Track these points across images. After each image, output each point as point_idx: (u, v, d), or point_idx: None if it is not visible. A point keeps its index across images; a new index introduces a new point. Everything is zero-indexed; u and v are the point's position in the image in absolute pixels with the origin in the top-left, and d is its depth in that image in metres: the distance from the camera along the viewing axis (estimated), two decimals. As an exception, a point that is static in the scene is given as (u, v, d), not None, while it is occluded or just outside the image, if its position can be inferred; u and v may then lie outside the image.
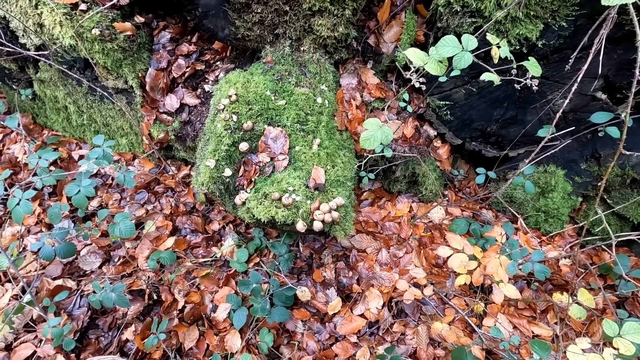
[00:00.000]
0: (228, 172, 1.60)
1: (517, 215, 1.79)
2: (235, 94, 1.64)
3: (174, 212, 2.27)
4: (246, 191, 1.59)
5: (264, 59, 1.84)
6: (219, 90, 1.74)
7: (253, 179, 1.61)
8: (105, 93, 2.00)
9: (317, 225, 1.53)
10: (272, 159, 1.64)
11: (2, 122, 2.50)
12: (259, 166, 1.64)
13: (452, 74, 1.44)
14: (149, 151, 2.32)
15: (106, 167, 2.36)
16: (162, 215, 2.24)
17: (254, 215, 1.54)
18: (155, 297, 1.97)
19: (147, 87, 2.06)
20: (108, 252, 2.12)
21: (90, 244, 2.13)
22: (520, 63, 1.16)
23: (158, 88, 2.08)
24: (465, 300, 1.95)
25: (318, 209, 1.56)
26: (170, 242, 2.12)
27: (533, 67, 1.15)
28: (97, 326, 1.92)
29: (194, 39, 2.18)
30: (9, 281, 1.96)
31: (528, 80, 1.12)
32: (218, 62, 2.16)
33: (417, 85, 1.13)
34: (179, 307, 1.92)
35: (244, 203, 1.57)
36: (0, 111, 2.55)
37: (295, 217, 1.51)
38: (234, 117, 1.61)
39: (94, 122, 2.34)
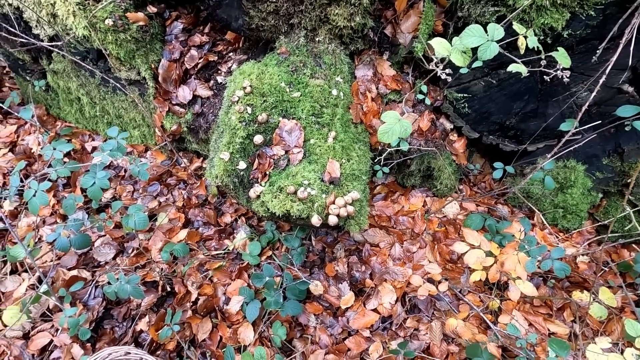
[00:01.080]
0: (242, 165, 1.58)
1: (537, 212, 1.75)
2: (250, 86, 1.62)
3: (187, 204, 2.27)
4: (260, 184, 1.57)
5: (278, 49, 1.81)
6: (232, 81, 1.71)
7: (267, 172, 1.59)
8: (118, 84, 1.99)
9: (332, 220, 1.51)
10: (286, 152, 1.62)
11: (16, 114, 2.52)
12: (274, 159, 1.62)
13: (474, 65, 1.39)
14: (161, 143, 2.31)
15: (119, 159, 2.36)
16: (175, 208, 2.24)
17: (268, 209, 1.52)
18: (168, 289, 1.98)
19: (160, 79, 2.04)
20: (122, 244, 2.14)
21: (104, 235, 2.14)
22: (549, 54, 1.11)
23: (171, 79, 2.06)
24: (480, 297, 1.92)
25: (333, 203, 1.53)
26: (183, 234, 2.12)
27: (562, 57, 1.10)
28: (112, 316, 1.94)
29: (206, 30, 2.15)
30: (25, 271, 1.98)
31: (559, 72, 1.07)
32: (231, 53, 2.13)
33: (443, 76, 1.09)
34: (192, 299, 1.93)
35: (258, 196, 1.56)
36: (15, 102, 2.56)
37: (310, 211, 1.49)
38: (249, 109, 1.59)
39: (106, 114, 2.34)
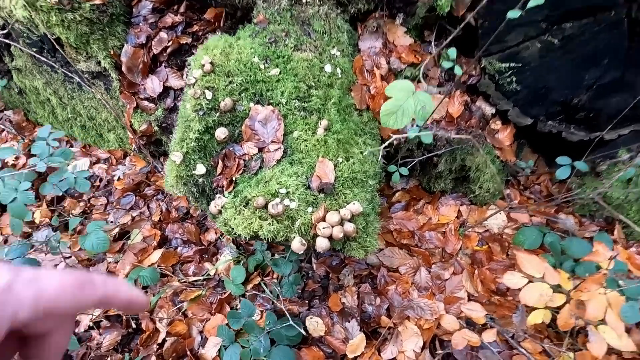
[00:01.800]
0: (201, 169, 1.17)
1: (629, 223, 1.20)
2: (211, 63, 1.20)
3: (164, 218, 1.90)
4: (224, 195, 1.15)
5: (255, 18, 1.39)
6: (194, 60, 1.31)
7: (234, 178, 1.16)
8: (77, 78, 1.67)
9: (322, 244, 1.05)
10: (260, 149, 1.19)
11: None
12: (244, 160, 1.19)
13: (531, 3, 0.89)
14: (134, 146, 1.97)
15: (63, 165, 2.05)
16: (151, 223, 1.88)
17: (232, 229, 1.09)
18: (134, 325, 1.61)
19: (124, 68, 1.69)
20: (88, 267, 1.80)
21: (70, 257, 1.82)
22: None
23: (137, 69, 1.71)
24: (543, 346, 1.37)
25: (323, 219, 1.08)
26: (156, 255, 1.75)
27: None
28: (70, 358, 1.59)
29: (181, 9, 1.79)
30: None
31: None
32: (208, 34, 1.74)
33: (473, 22, 0.62)
34: (160, 339, 1.54)
35: (221, 211, 1.13)
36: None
37: (288, 232, 1.05)
38: (208, 94, 1.18)
39: (78, 116, 2.04)
